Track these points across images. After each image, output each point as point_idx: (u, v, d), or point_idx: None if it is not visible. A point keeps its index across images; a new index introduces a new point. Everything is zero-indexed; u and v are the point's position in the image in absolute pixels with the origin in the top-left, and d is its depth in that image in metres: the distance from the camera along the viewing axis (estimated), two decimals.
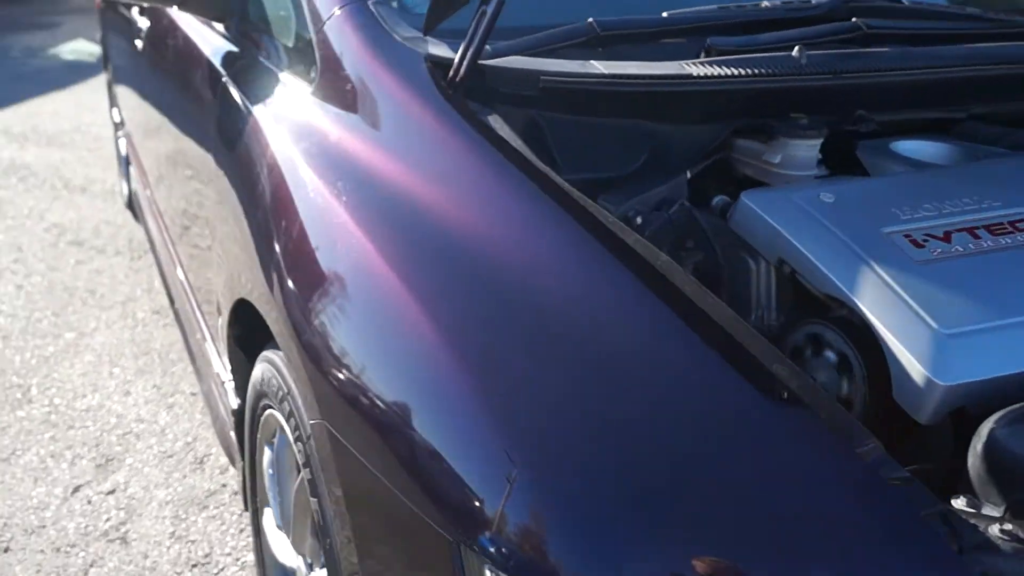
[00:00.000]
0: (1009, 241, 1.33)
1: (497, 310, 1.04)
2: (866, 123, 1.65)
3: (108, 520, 2.14)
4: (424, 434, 0.97)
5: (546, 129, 1.49)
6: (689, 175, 1.52)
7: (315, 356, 1.17)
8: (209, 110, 1.90)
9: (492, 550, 0.86)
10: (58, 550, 2.04)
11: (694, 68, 1.55)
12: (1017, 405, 1.03)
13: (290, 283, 1.29)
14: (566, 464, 0.88)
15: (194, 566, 2.02)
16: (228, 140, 1.74)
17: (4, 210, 4.04)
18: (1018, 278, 1.28)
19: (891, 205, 1.39)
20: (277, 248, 1.36)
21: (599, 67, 1.52)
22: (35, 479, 2.27)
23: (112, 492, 2.23)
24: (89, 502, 2.19)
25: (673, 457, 0.89)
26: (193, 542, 2.08)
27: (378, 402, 1.04)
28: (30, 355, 2.83)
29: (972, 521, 0.91)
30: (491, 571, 0.88)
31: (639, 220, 1.39)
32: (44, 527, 2.12)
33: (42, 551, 2.04)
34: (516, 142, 1.28)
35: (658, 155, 1.55)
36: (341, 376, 1.12)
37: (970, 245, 1.32)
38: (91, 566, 2.01)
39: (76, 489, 2.24)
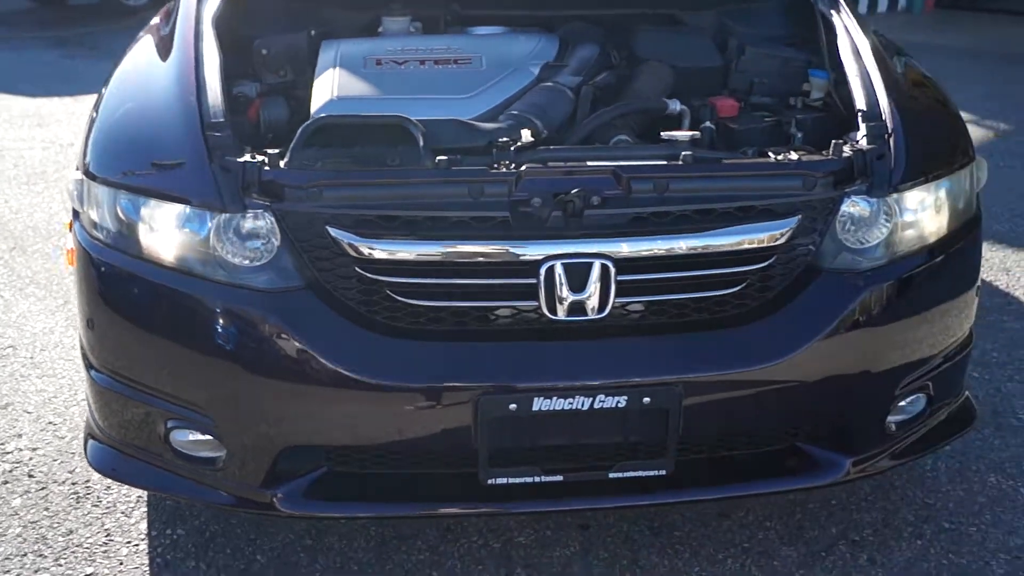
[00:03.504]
0: (440, 68, 2.28)
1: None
2: (452, 13, 2.58)
3: None
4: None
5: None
6: (313, 32, 2.57)
7: None
8: None
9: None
10: None
11: None
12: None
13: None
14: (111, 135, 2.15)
15: None
16: None
17: None
18: (409, 84, 2.27)
19: (393, 47, 2.35)
20: None
21: None
22: None
23: None
24: None
25: (139, 121, 2.16)
26: None
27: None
28: None
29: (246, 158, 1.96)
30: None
31: (264, 51, 2.45)
32: None
33: None
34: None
35: (325, 32, 2.56)
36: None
37: (411, 66, 2.26)
38: None
39: None
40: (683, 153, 1.98)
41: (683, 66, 2.45)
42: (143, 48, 2.46)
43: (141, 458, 2.13)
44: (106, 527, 2.41)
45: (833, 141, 2.04)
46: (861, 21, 2.46)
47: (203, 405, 1.99)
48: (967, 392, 2.37)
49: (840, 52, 2.32)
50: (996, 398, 2.96)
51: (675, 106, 2.27)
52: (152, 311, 2.02)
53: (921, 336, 2.08)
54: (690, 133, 2.10)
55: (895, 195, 2.03)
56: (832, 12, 2.46)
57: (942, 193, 2.11)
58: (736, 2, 2.72)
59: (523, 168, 1.93)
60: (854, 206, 2.02)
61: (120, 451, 2.16)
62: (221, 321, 1.95)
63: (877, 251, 2.03)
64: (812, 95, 2.41)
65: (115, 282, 2.06)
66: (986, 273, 3.83)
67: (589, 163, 1.99)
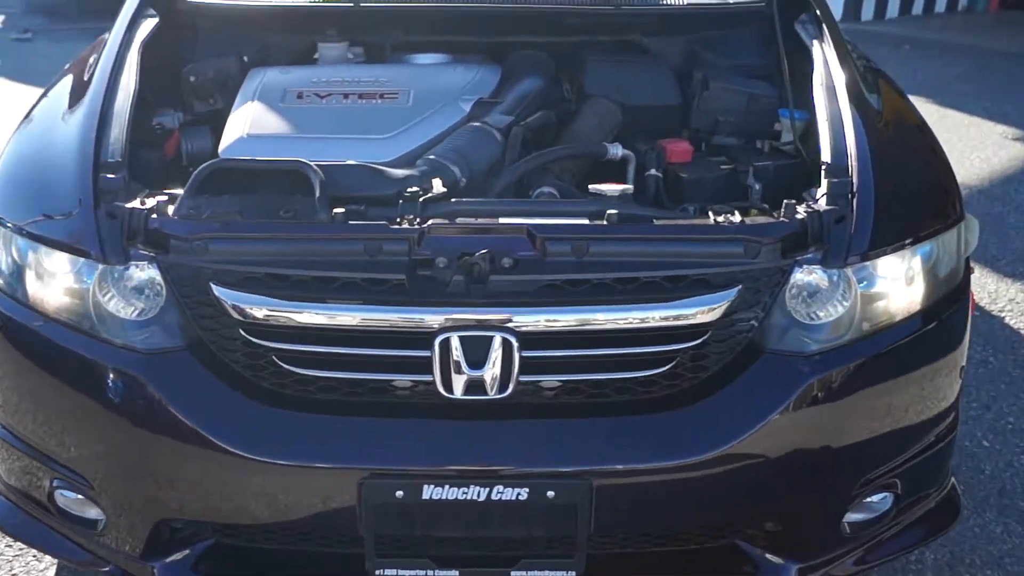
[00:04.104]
0: (363, 103, 2.03)
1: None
2: (394, 39, 2.35)
3: None
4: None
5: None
6: (246, 58, 2.29)
7: None
8: None
9: None
10: None
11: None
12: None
13: None
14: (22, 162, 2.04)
15: None
16: None
17: None
18: (328, 121, 2.05)
19: (319, 78, 2.13)
20: None
21: None
22: None
23: None
24: None
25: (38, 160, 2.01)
26: None
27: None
28: None
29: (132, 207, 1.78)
30: None
31: (193, 78, 2.23)
32: None
33: None
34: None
35: (260, 58, 2.34)
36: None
37: (334, 100, 2.03)
38: None
39: None
40: (608, 211, 1.74)
41: (635, 104, 2.20)
42: (65, 78, 2.30)
43: (35, 515, 1.98)
44: (13, 571, 2.28)
45: (785, 201, 1.78)
46: (845, 50, 2.17)
47: (78, 465, 1.84)
48: (952, 480, 2.08)
49: (813, 90, 2.05)
50: (1006, 474, 2.64)
51: (616, 151, 2.02)
52: (32, 363, 1.87)
53: (886, 428, 1.80)
54: (621, 187, 1.86)
55: (859, 264, 1.76)
56: (814, 41, 2.18)
57: (917, 261, 1.82)
58: (707, 29, 2.44)
59: (427, 224, 1.72)
60: (810, 274, 1.75)
61: (17, 506, 2.02)
62: (95, 380, 1.79)
63: (833, 329, 1.76)
64: (783, 137, 2.14)
65: (3, 329, 1.91)
66: (1016, 319, 3.48)
67: (502, 220, 1.77)
